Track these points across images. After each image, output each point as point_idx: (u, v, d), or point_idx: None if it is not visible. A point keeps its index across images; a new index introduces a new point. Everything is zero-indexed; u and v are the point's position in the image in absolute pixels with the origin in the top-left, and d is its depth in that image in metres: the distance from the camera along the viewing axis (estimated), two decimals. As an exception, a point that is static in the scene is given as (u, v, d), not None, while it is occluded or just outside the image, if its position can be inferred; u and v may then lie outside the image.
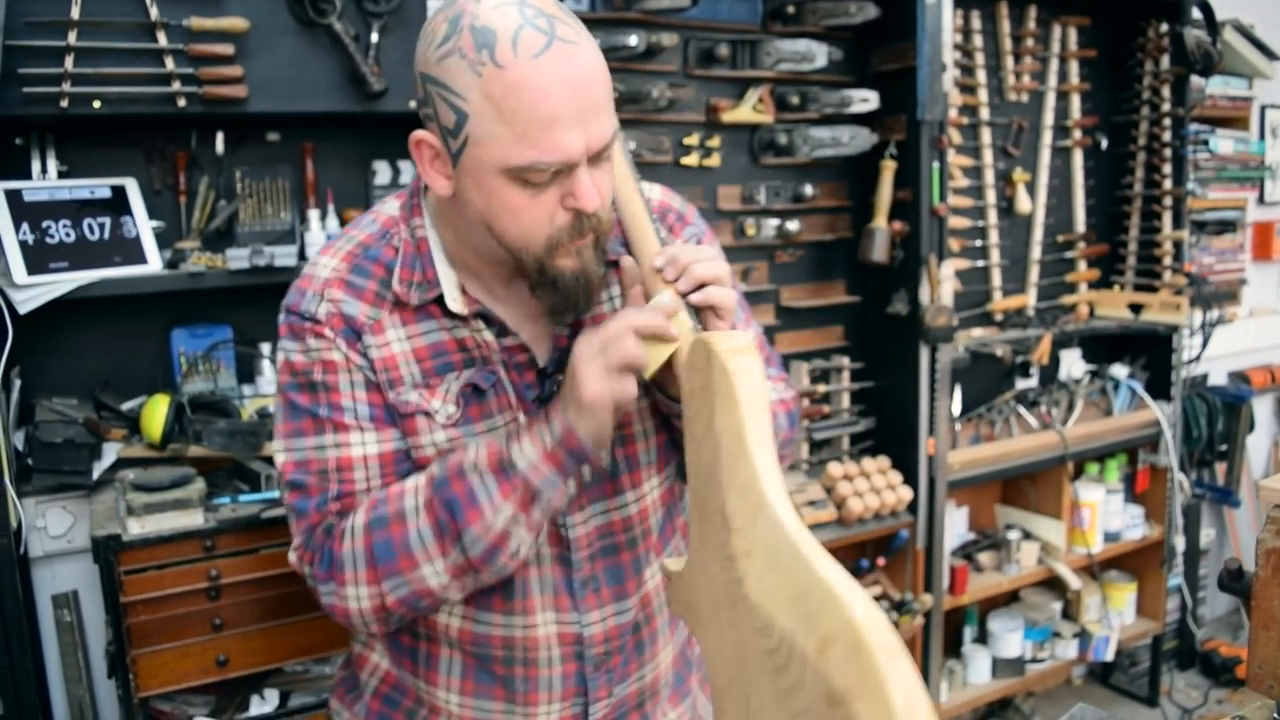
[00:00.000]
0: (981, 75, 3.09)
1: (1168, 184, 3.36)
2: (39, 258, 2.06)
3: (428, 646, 1.28)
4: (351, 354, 1.16)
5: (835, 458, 2.93)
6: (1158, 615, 3.56)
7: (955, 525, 3.25)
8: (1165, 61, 3.33)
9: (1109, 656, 3.39)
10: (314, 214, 2.38)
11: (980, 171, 3.15)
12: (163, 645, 1.97)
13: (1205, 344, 3.50)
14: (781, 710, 0.80)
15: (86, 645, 2.25)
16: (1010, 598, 3.48)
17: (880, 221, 2.84)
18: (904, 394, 2.93)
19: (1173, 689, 3.69)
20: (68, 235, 2.12)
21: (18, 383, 2.14)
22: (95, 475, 2.11)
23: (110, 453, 2.15)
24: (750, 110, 2.73)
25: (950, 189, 2.93)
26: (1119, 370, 3.44)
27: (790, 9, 2.72)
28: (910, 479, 2.92)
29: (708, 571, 0.99)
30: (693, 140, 2.70)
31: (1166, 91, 3.34)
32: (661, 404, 1.22)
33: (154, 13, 2.05)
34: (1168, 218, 3.38)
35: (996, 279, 3.22)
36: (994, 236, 3.19)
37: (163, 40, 2.06)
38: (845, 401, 3.00)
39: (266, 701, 2.15)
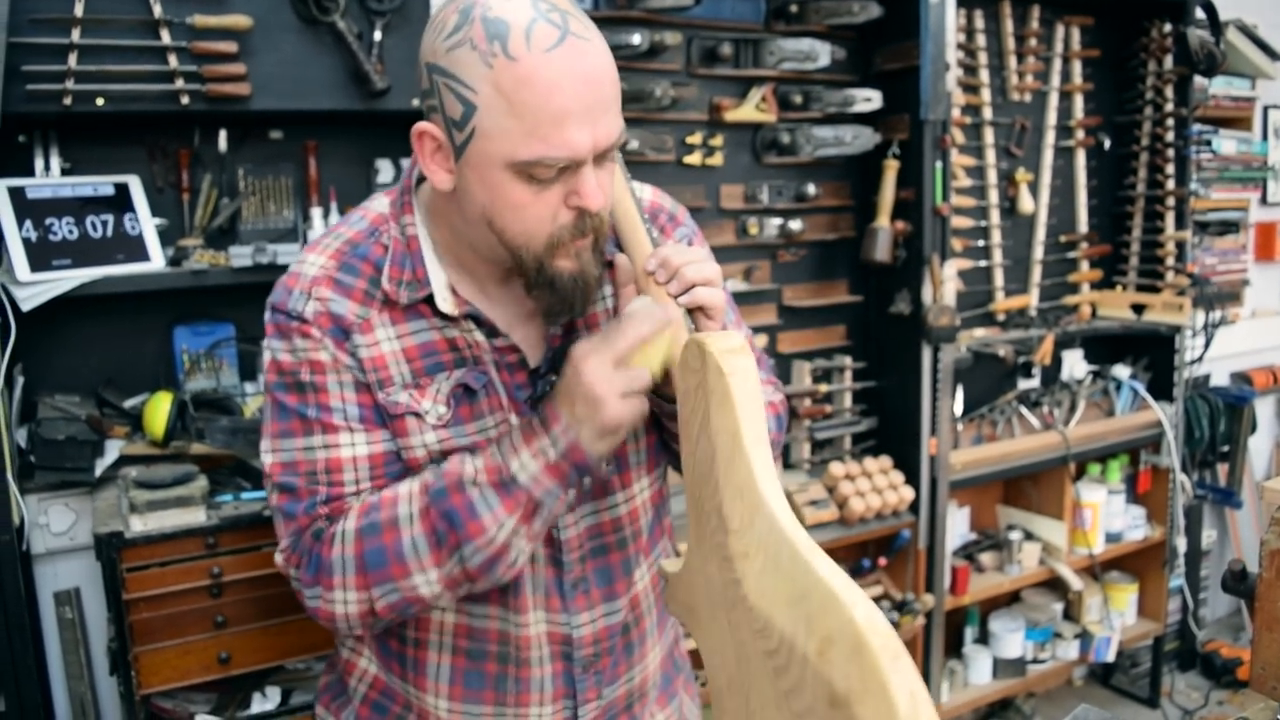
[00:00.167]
0: (985, 75, 3.09)
1: (1170, 184, 3.35)
2: (42, 255, 2.07)
3: (415, 651, 1.26)
4: (340, 354, 1.14)
5: (837, 457, 2.93)
6: (1159, 616, 3.56)
7: (957, 525, 3.25)
8: (1168, 62, 3.33)
9: (1110, 657, 3.39)
10: (316, 212, 2.38)
11: (983, 171, 3.15)
12: (165, 642, 1.97)
13: (1207, 345, 3.50)
14: (782, 712, 0.80)
15: (88, 642, 2.25)
16: (1011, 598, 3.48)
17: (883, 221, 2.84)
18: (906, 394, 2.93)
19: (1174, 690, 3.69)
20: (71, 233, 2.12)
21: (20, 380, 2.14)
22: (98, 472, 2.11)
23: (113, 450, 2.15)
24: (753, 109, 2.73)
25: (953, 189, 2.93)
26: (1121, 371, 3.44)
27: (793, 8, 2.72)
28: (912, 479, 2.92)
29: (705, 572, 0.98)
30: (696, 139, 2.70)
31: (1169, 92, 3.34)
32: (653, 403, 1.21)
33: (157, 10, 2.04)
34: (1170, 218, 3.38)
35: (999, 279, 3.22)
36: (996, 236, 3.18)
37: (166, 38, 2.06)
38: (847, 401, 3.00)
39: (268, 699, 2.15)
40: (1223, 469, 3.84)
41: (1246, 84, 3.80)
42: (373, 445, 1.16)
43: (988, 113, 3.12)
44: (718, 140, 2.72)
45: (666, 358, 1.10)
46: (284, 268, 2.14)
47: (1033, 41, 3.18)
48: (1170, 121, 3.34)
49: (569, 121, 1.01)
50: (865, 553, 3.00)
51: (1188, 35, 3.16)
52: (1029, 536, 3.28)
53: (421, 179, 1.21)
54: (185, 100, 2.07)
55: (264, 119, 2.35)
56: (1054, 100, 3.27)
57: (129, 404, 2.25)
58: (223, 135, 2.32)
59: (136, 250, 2.18)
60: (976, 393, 3.20)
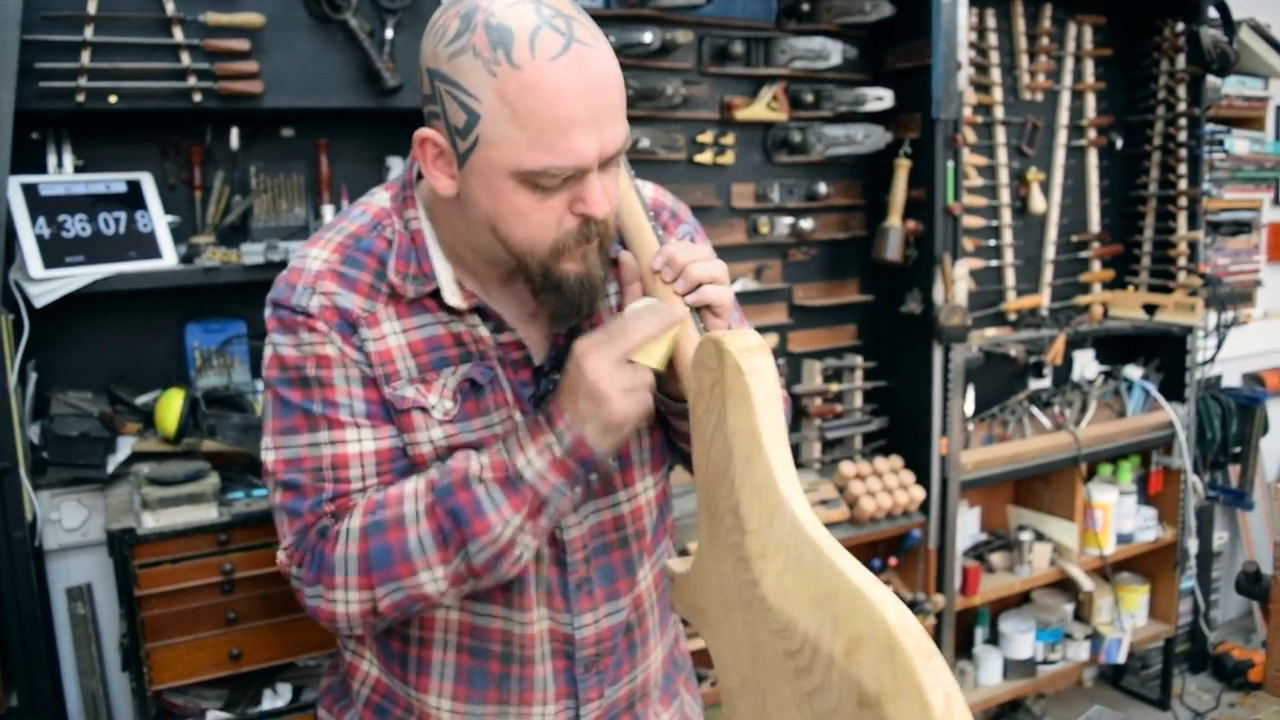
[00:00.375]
0: (996, 74, 3.08)
1: (1183, 184, 3.34)
2: (55, 252, 2.07)
3: (419, 650, 1.25)
4: (346, 348, 1.12)
5: (848, 457, 2.93)
6: (1170, 617, 3.55)
7: (967, 526, 3.24)
8: (1181, 61, 3.31)
9: (1121, 659, 3.38)
10: (328, 209, 2.38)
11: (994, 171, 3.13)
12: (176, 639, 1.98)
13: (1220, 345, 3.49)
14: (803, 713, 0.80)
15: (100, 638, 2.25)
16: (1022, 599, 3.47)
17: (894, 220, 2.83)
18: (917, 393, 2.92)
19: (1184, 692, 3.67)
20: (83, 229, 2.13)
21: (33, 376, 2.15)
22: (110, 469, 2.12)
23: (125, 446, 2.15)
24: (764, 108, 2.72)
25: (964, 188, 2.92)
26: (1133, 371, 3.42)
27: (805, 6, 2.71)
28: (922, 479, 2.92)
29: (718, 573, 0.98)
30: (707, 138, 2.69)
31: (1182, 91, 3.33)
32: (659, 402, 1.20)
33: (170, 8, 2.05)
34: (1183, 218, 3.36)
35: (1010, 279, 3.21)
36: (1008, 236, 3.17)
37: (179, 35, 2.06)
38: (858, 401, 2.99)
39: (279, 696, 2.16)
40: (1234, 470, 3.83)
41: (1259, 84, 3.78)
42: (379, 441, 1.14)
43: (999, 112, 3.11)
44: (729, 139, 2.72)
45: (671, 356, 1.09)
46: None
47: (1044, 40, 3.17)
48: (1183, 121, 3.33)
49: (574, 131, 0.99)
50: (875, 552, 2.99)
51: (1200, 34, 3.15)
52: (1040, 537, 3.27)
53: (421, 174, 1.20)
54: (197, 98, 2.08)
55: (276, 116, 2.35)
56: (1066, 99, 3.26)
57: (141, 401, 2.25)
58: (235, 133, 2.33)
59: (149, 247, 2.19)
60: (987, 393, 3.19)
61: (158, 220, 2.22)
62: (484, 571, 1.11)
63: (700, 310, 1.11)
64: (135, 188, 2.23)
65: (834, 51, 2.74)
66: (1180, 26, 3.28)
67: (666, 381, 1.14)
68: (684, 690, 1.46)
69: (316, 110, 2.26)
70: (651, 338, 1.07)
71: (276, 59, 2.14)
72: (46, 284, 2.02)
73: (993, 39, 3.06)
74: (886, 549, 3.00)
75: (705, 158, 2.69)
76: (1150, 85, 3.39)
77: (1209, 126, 3.43)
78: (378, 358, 1.13)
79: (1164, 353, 3.46)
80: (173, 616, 1.97)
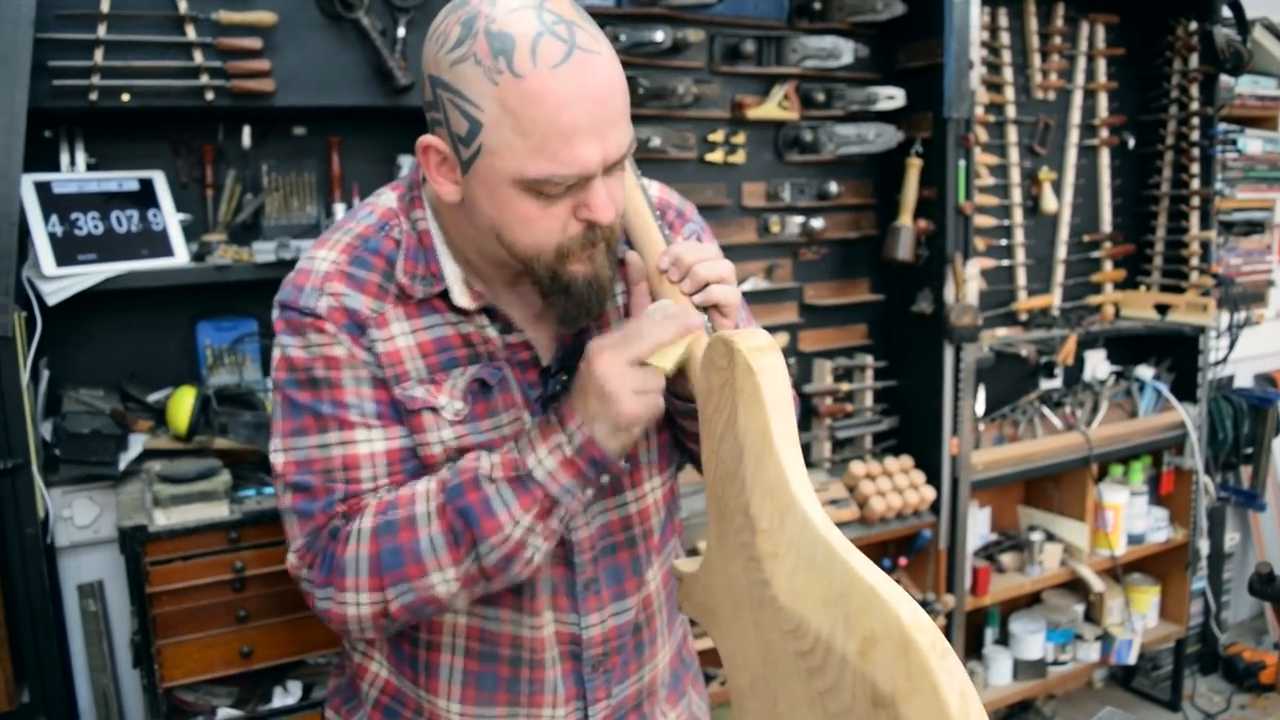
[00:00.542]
0: (1008, 73, 3.07)
1: (1195, 184, 3.33)
2: (68, 249, 2.08)
3: (428, 654, 1.25)
4: (355, 349, 1.12)
5: (858, 456, 2.92)
6: (1181, 619, 3.53)
7: (978, 526, 3.23)
8: (1194, 60, 3.30)
9: (1131, 660, 3.37)
10: (340, 208, 2.39)
11: (1006, 170, 3.12)
12: (187, 636, 1.98)
13: (1232, 346, 3.47)
14: (815, 712, 0.80)
15: (111, 635, 2.26)
16: (1032, 599, 3.46)
17: (905, 220, 2.83)
18: (928, 393, 2.91)
19: (1195, 693, 3.66)
20: (96, 227, 2.13)
21: (46, 373, 2.15)
22: (122, 466, 2.12)
23: (136, 444, 2.16)
24: (775, 107, 2.72)
25: (976, 187, 2.91)
26: (1144, 371, 3.41)
27: (816, 5, 2.71)
28: (933, 479, 2.91)
29: (728, 573, 0.97)
30: (718, 137, 2.69)
31: (1195, 90, 3.31)
32: (667, 402, 1.19)
33: (183, 6, 2.05)
34: (1195, 218, 3.35)
35: (1021, 278, 3.19)
36: (1019, 235, 3.16)
37: (191, 34, 2.06)
38: (868, 400, 2.98)
39: (289, 693, 2.16)
40: (1246, 471, 3.81)
41: (1273, 83, 3.76)
42: (390, 441, 1.14)
43: (1011, 111, 3.10)
44: (740, 138, 2.71)
45: (682, 361, 1.09)
46: (308, 264, 2.16)
47: (1057, 39, 3.16)
48: (1195, 120, 3.31)
49: (578, 139, 0.99)
50: (885, 552, 2.99)
51: (1214, 34, 3.13)
52: (1050, 537, 3.26)
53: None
54: (210, 96, 2.08)
55: (288, 115, 2.36)
56: (1078, 99, 3.25)
57: (153, 398, 2.26)
58: (246, 131, 2.33)
59: (161, 245, 2.19)
60: (998, 392, 3.18)
61: (170, 218, 2.23)
62: (495, 573, 1.11)
63: (708, 310, 1.11)
64: (147, 186, 2.23)
65: (845, 50, 2.73)
66: (1193, 26, 3.27)
67: (675, 381, 1.14)
68: (691, 689, 1.46)
69: (328, 109, 2.26)
70: (665, 343, 1.07)
71: (288, 57, 2.15)
72: (59, 282, 2.03)
73: (1005, 38, 3.05)
74: (897, 549, 2.99)
75: (716, 157, 2.69)
76: (1163, 84, 3.37)
77: (1222, 126, 3.41)
78: (387, 358, 1.13)
79: (1176, 353, 3.44)
80: (184, 614, 1.97)
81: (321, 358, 1.12)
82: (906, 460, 2.93)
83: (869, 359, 2.97)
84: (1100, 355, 3.45)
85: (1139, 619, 3.42)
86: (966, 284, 2.79)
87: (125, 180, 2.21)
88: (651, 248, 1.15)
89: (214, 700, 2.12)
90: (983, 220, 3.03)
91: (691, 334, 1.08)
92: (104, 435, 2.08)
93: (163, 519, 1.95)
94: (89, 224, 2.13)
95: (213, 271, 2.18)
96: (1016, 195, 3.14)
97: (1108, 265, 3.40)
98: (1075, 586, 3.39)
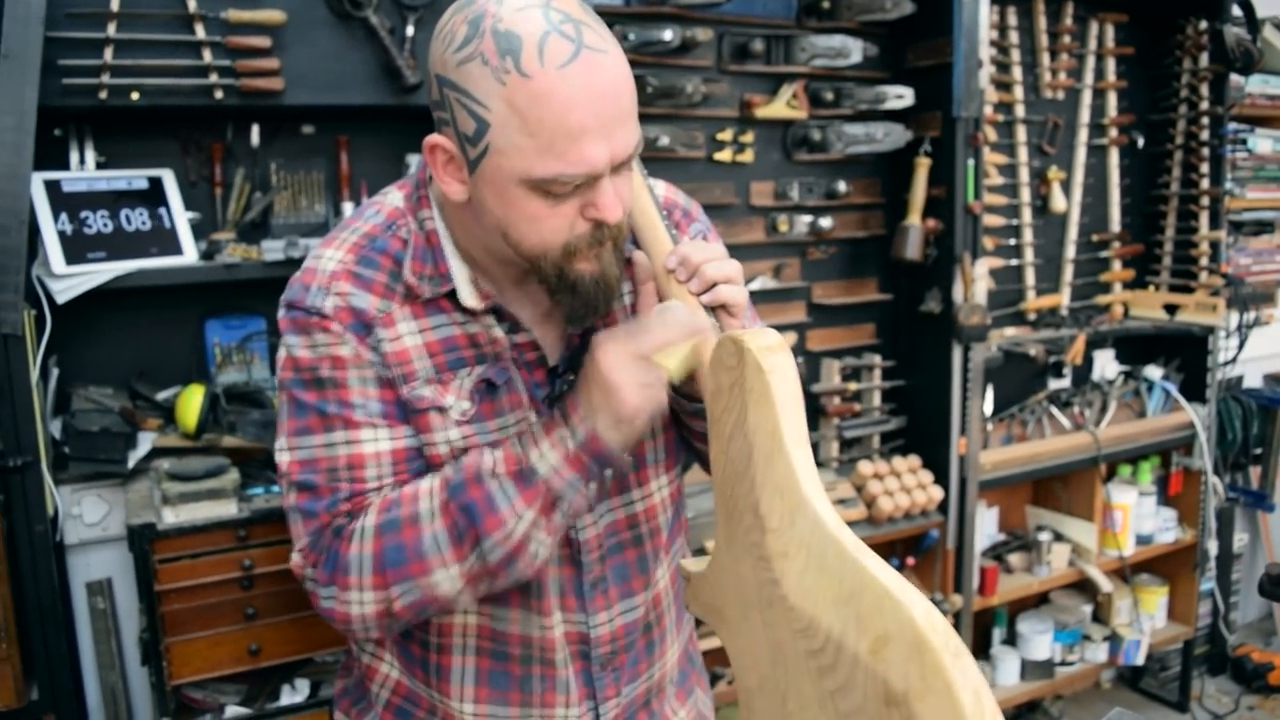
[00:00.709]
0: (1017, 72, 3.07)
1: (1205, 183, 3.32)
2: (77, 248, 2.08)
3: (439, 657, 1.25)
4: (362, 349, 1.12)
5: (866, 456, 2.92)
6: (1189, 619, 3.52)
7: (986, 526, 3.23)
8: (1204, 59, 3.29)
9: (1139, 660, 3.36)
10: (348, 206, 2.39)
11: (1015, 169, 3.12)
12: (195, 634, 1.99)
13: (1241, 346, 3.47)
14: (826, 711, 0.80)
15: (120, 632, 2.26)
16: (1040, 599, 3.45)
17: (914, 219, 2.82)
18: (936, 393, 2.91)
19: (1203, 694, 3.65)
20: (105, 226, 2.14)
21: (55, 371, 2.16)
22: (130, 464, 2.13)
23: (145, 442, 2.17)
24: (784, 106, 2.71)
25: (985, 187, 2.91)
26: (1153, 371, 3.40)
27: (825, 4, 2.70)
28: (941, 478, 2.91)
29: (736, 572, 0.97)
30: (726, 136, 2.68)
31: (1205, 89, 3.30)
32: (673, 401, 1.20)
33: (192, 5, 2.05)
34: (1204, 217, 3.34)
35: (1030, 278, 3.19)
36: (1028, 235, 3.16)
37: (201, 32, 2.07)
38: (876, 400, 2.98)
39: (297, 691, 2.16)
40: (1255, 472, 3.79)
41: (1283, 82, 3.75)
42: (395, 441, 1.14)
43: (1020, 110, 3.09)
44: (748, 137, 2.71)
45: (687, 365, 1.08)
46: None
47: (1066, 38, 3.15)
48: (1205, 120, 3.30)
49: (585, 139, 0.99)
50: (893, 552, 2.98)
51: (1224, 32, 3.12)
52: (1058, 538, 3.25)
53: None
54: (219, 94, 2.08)
55: (296, 113, 2.36)
56: (1087, 98, 3.24)
57: (161, 396, 2.26)
58: (255, 129, 2.33)
59: (170, 244, 2.20)
60: (1007, 392, 3.17)
61: (179, 217, 2.23)
62: (499, 570, 1.10)
63: (715, 309, 1.11)
64: (157, 184, 2.24)
65: (854, 49, 2.73)
66: (1203, 24, 3.26)
67: (682, 380, 1.14)
68: (698, 687, 1.46)
69: (337, 107, 2.27)
70: (671, 343, 1.07)
71: (297, 56, 2.15)
72: (68, 280, 2.03)
73: (1014, 37, 3.04)
74: (904, 549, 2.99)
75: (725, 156, 2.69)
76: (1172, 84, 3.36)
77: (1232, 125, 3.41)
78: (394, 358, 1.13)
79: (1185, 353, 3.43)
80: (192, 611, 1.98)
81: (327, 357, 1.12)
82: (914, 460, 2.93)
83: (877, 358, 2.97)
84: (1109, 355, 3.44)
85: (1147, 620, 3.41)
86: (975, 283, 2.79)
87: (134, 179, 2.22)
88: (658, 247, 1.15)
89: (222, 698, 2.12)
90: (991, 220, 3.02)
91: (698, 337, 1.08)
92: (113, 433, 2.08)
93: (171, 517, 1.96)
94: (98, 222, 2.13)
95: (221, 270, 2.18)
96: (1025, 195, 3.13)
97: (1117, 265, 3.39)
98: (1083, 587, 3.38)
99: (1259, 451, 3.74)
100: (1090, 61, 3.23)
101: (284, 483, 1.16)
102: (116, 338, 2.28)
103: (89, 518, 2.18)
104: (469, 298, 1.14)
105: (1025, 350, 3.05)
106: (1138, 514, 3.31)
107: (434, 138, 1.07)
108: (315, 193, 2.39)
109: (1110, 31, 3.26)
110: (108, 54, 1.99)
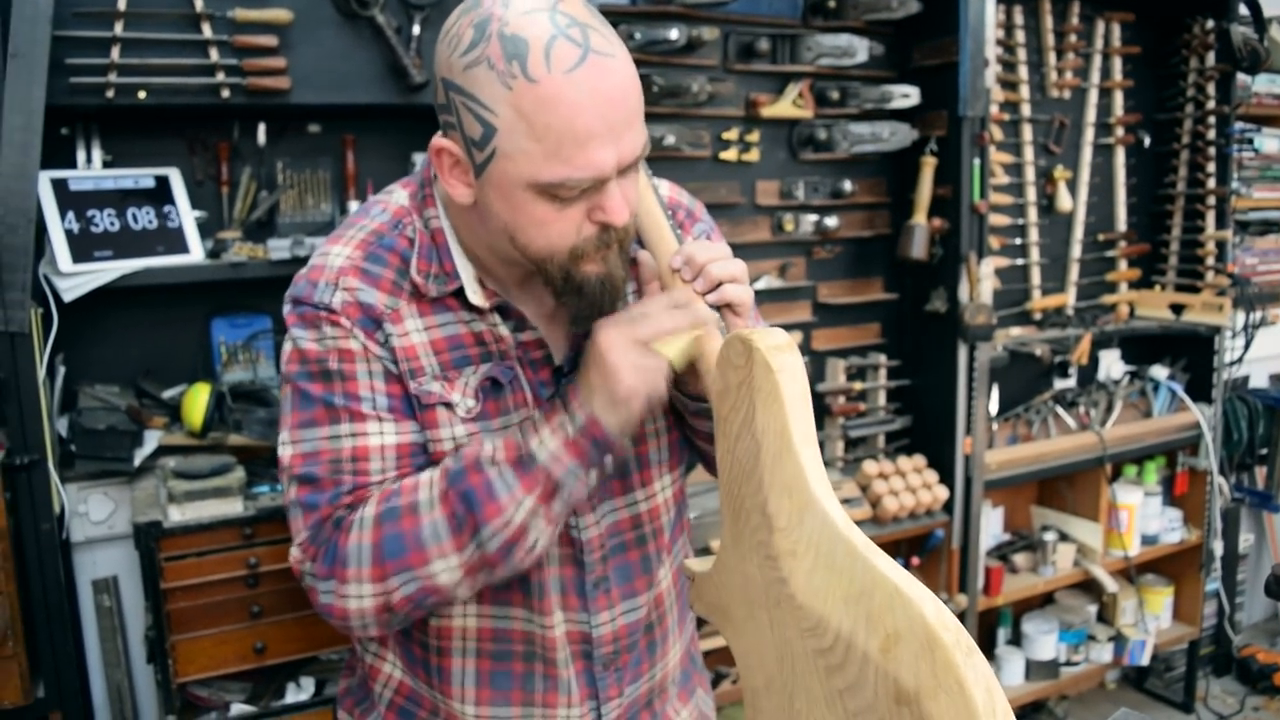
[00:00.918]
0: (1023, 71, 3.06)
1: (1211, 183, 3.31)
2: (84, 246, 2.09)
3: (439, 659, 1.25)
4: (370, 344, 1.12)
5: (871, 456, 2.92)
6: (1194, 620, 3.52)
7: (991, 526, 3.23)
8: (1210, 58, 3.28)
9: (1144, 661, 3.36)
10: (354, 205, 2.39)
11: (1021, 169, 3.11)
12: (201, 631, 1.99)
13: (1247, 346, 3.46)
14: (834, 710, 0.80)
15: (126, 630, 2.27)
16: (1045, 599, 3.45)
17: (920, 218, 2.82)
18: (941, 392, 2.90)
19: (1208, 695, 3.64)
20: (112, 224, 2.14)
21: (62, 369, 2.16)
22: (137, 462, 2.13)
23: (151, 440, 2.17)
24: (790, 105, 2.71)
25: (991, 186, 2.90)
26: (1159, 371, 3.40)
27: (831, 3, 2.70)
28: (946, 478, 2.90)
29: (743, 571, 0.97)
30: (732, 135, 2.68)
31: (1211, 89, 3.30)
32: (676, 400, 1.20)
33: (199, 4, 2.06)
34: (1211, 217, 3.33)
35: (1036, 278, 3.18)
36: (1034, 234, 3.15)
37: (207, 31, 2.07)
38: (881, 399, 2.98)
39: (302, 689, 2.17)
40: (1261, 472, 3.79)
41: (1290, 82, 3.74)
42: (400, 435, 1.14)
43: (1026, 109, 3.09)
44: (754, 136, 2.71)
45: (687, 355, 1.09)
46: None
47: (1072, 38, 3.14)
48: (1212, 119, 3.30)
49: (592, 143, 0.99)
50: (898, 552, 2.98)
51: (1230, 32, 3.11)
52: (1063, 538, 3.25)
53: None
54: (225, 94, 2.09)
55: (303, 112, 2.37)
56: (1093, 97, 3.24)
57: (167, 395, 2.27)
58: (262, 128, 2.34)
59: (176, 242, 2.20)
60: (1012, 392, 3.17)
61: (185, 215, 2.23)
62: (498, 560, 1.10)
63: (720, 309, 1.11)
64: (163, 183, 2.24)
65: (860, 48, 2.73)
66: (1210, 24, 3.25)
67: (686, 381, 1.14)
68: (700, 688, 1.47)
69: (343, 106, 2.27)
70: (671, 331, 1.07)
71: (304, 55, 2.15)
72: (75, 278, 2.04)
73: (1020, 36, 3.04)
74: (909, 548, 2.98)
75: (730, 155, 2.68)
76: (1179, 83, 3.36)
77: (1238, 125, 3.39)
78: (402, 353, 1.13)
79: (1191, 353, 3.43)
80: (197, 610, 1.98)
81: (335, 350, 1.12)
82: (919, 459, 2.92)
83: (882, 358, 2.97)
84: (1115, 355, 3.44)
85: (1152, 620, 3.40)
86: (980, 283, 2.79)
87: (141, 177, 2.22)
88: (664, 247, 1.15)
89: (227, 696, 2.13)
90: (997, 219, 3.02)
91: (699, 327, 1.08)
92: (119, 431, 2.08)
93: (177, 515, 1.96)
94: (105, 221, 2.14)
95: (228, 268, 2.19)
96: (1031, 194, 3.13)
97: (1123, 264, 3.38)
98: (1088, 587, 3.38)
99: (1265, 451, 3.73)
100: (1096, 61, 3.23)
101: (285, 477, 1.16)
102: (123, 336, 2.29)
103: (95, 516, 2.18)
104: (475, 296, 1.14)
105: (1031, 350, 3.04)
106: (1143, 514, 3.30)
107: (439, 141, 1.07)
108: (321, 191, 2.39)
109: (1116, 30, 3.25)
110: (115, 53, 1.99)
